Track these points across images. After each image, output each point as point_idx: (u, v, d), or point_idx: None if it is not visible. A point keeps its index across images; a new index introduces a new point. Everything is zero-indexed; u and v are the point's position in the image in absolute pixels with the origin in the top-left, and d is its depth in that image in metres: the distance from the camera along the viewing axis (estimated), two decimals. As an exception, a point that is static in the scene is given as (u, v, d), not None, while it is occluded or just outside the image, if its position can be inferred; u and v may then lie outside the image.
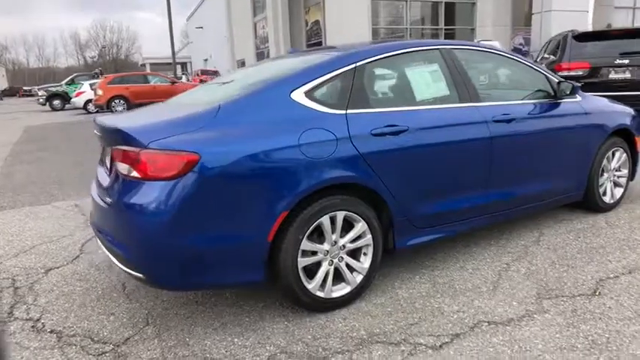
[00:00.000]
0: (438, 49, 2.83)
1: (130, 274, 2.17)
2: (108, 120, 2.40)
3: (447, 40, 3.08)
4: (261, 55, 23.24)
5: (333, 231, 2.32)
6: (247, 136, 2.11)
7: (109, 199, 2.21)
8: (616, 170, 3.70)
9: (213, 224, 2.06)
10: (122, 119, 2.50)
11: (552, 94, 3.22)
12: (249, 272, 2.18)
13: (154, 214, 1.97)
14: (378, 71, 2.63)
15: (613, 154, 3.61)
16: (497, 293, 2.51)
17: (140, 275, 2.09)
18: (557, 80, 3.23)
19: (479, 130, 2.74)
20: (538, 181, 3.15)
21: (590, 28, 12.33)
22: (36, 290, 2.80)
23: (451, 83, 2.77)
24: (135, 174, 2.05)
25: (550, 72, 3.27)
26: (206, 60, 39.63)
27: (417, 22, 15.05)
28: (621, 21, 15.87)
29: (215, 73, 31.87)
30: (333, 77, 2.41)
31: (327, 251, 2.32)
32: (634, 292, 2.45)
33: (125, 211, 2.06)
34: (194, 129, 2.08)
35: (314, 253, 2.29)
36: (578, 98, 3.34)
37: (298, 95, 2.29)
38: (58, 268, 3.16)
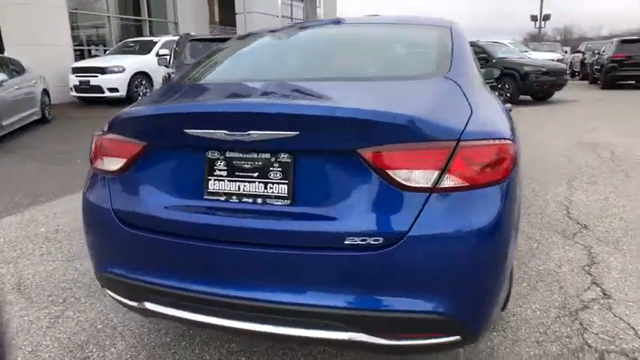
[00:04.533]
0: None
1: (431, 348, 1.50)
2: (340, 105, 1.44)
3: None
4: None
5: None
6: (500, 116, 1.75)
7: (361, 239, 1.34)
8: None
9: (515, 234, 1.62)
10: (325, 103, 1.56)
11: None
12: None
13: (495, 236, 1.40)
14: None
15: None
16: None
17: (456, 338, 1.43)
18: None
19: None
20: None
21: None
22: None
23: None
24: (451, 183, 1.35)
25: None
26: None
27: (119, 11, 13.34)
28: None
29: None
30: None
31: None
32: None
33: (452, 240, 1.35)
34: (469, 111, 1.51)
35: None
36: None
37: None
38: None
